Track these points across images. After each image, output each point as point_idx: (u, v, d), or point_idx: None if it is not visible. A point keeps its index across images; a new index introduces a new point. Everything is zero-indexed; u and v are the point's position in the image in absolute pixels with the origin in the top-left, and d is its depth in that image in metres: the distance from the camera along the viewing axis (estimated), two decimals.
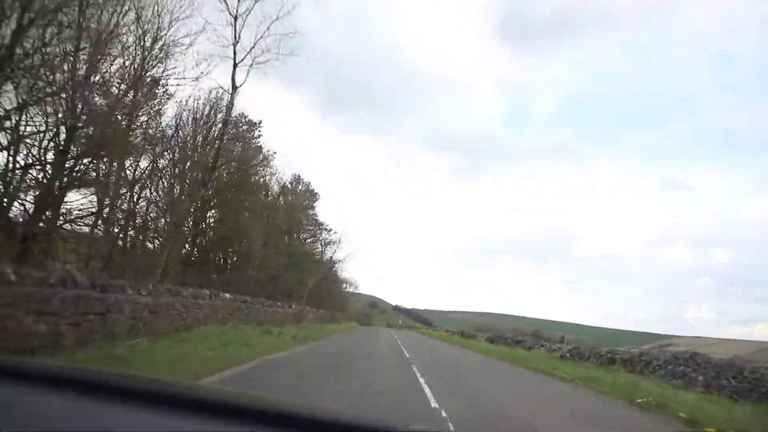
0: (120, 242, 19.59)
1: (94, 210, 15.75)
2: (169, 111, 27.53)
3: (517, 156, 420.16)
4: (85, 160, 14.78)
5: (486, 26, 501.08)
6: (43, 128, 13.78)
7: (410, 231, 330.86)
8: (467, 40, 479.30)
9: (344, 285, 73.25)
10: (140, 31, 17.10)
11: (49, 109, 13.63)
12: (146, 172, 20.11)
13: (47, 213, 13.90)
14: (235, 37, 24.37)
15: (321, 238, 53.44)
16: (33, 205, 13.52)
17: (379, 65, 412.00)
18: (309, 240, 51.83)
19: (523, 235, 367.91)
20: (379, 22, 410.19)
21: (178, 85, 25.53)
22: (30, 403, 1.22)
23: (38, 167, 13.83)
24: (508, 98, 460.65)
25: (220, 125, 23.20)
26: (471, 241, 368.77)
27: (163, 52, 17.80)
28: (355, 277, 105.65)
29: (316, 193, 50.48)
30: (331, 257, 55.02)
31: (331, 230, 53.32)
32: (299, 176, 47.84)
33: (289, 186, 46.10)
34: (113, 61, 15.72)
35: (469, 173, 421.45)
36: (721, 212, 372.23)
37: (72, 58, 13.69)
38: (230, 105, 23.52)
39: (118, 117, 15.57)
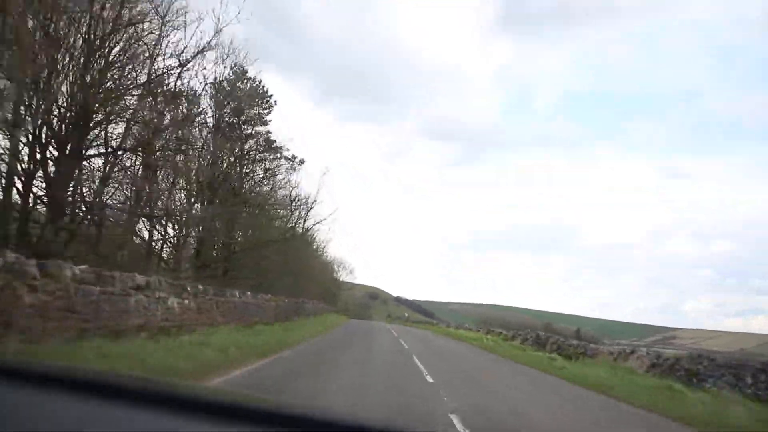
0: None
1: None
2: None
3: (517, 147, 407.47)
4: None
5: (486, 16, 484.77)
6: None
7: (410, 222, 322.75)
8: (467, 30, 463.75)
9: (334, 268, 57.17)
10: None
11: None
12: None
13: None
14: None
15: (280, 171, 30.51)
16: None
17: (379, 54, 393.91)
18: (257, 171, 28.93)
19: (523, 226, 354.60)
20: (379, 11, 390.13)
21: None
22: (30, 403, 1.19)
23: None
24: (508, 89, 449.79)
25: None
26: (471, 233, 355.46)
27: None
28: (348, 259, 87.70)
29: (269, 97, 28.55)
30: (303, 215, 31.60)
31: (295, 159, 30.52)
32: (245, 69, 25.79)
33: (225, 84, 24.30)
34: None
35: (468, 164, 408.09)
36: (721, 202, 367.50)
37: None
38: None
39: None
